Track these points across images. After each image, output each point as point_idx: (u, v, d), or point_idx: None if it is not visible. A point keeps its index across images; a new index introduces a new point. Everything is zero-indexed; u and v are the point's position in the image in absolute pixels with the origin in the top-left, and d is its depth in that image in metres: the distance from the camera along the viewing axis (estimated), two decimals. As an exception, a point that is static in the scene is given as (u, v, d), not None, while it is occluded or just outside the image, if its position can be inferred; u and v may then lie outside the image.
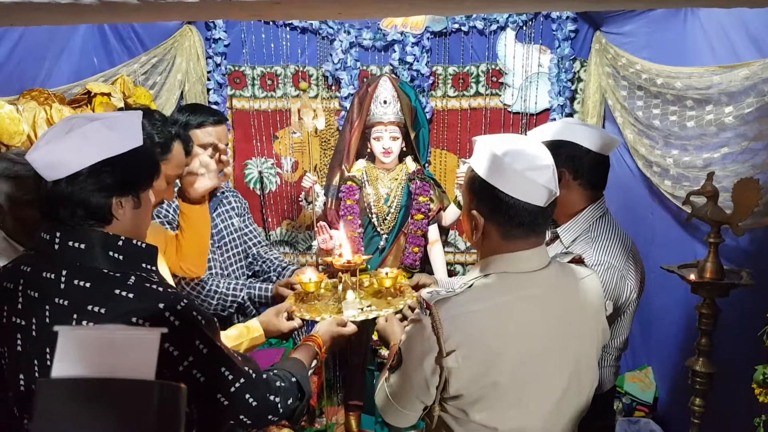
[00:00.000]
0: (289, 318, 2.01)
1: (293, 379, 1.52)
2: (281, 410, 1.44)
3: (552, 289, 1.40)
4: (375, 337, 3.04)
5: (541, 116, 3.63)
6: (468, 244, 3.78)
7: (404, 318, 1.89)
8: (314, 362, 1.76)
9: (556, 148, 1.83)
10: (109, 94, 2.74)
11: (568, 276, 1.46)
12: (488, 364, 1.30)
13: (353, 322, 1.94)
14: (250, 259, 2.70)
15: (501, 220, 1.35)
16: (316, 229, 3.01)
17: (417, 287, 2.23)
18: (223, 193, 2.64)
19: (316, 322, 1.95)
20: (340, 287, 2.08)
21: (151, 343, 0.75)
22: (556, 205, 1.40)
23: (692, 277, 2.06)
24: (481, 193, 1.36)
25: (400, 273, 2.14)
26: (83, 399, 0.72)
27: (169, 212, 2.35)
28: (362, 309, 1.99)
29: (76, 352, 0.76)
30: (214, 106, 3.60)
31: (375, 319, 1.95)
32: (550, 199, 1.34)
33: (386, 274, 2.11)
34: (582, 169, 1.89)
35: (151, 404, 0.72)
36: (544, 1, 1.15)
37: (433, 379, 1.31)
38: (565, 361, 1.40)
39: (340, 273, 2.08)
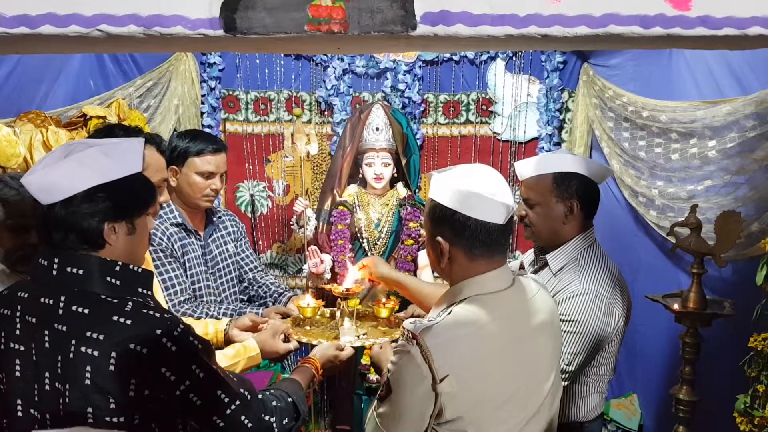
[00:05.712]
0: (286, 340, 2.02)
1: (289, 399, 1.54)
2: (276, 430, 1.46)
3: (522, 305, 1.46)
4: (364, 361, 3.05)
5: (530, 145, 3.69)
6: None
7: None
8: (311, 384, 1.78)
9: (567, 180, 1.89)
10: (104, 117, 2.76)
11: (529, 290, 1.52)
12: (481, 384, 1.34)
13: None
14: (245, 284, 2.67)
15: (465, 243, 1.40)
16: (307, 253, 3.04)
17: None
18: (219, 217, 2.62)
19: (313, 345, 1.96)
20: (338, 314, 2.10)
21: None
22: (514, 222, 1.46)
23: (676, 306, 2.11)
24: (443, 220, 1.41)
25: (396, 304, 2.16)
26: None
27: (163, 240, 2.32)
28: (358, 336, 2.01)
29: None
30: (207, 129, 3.61)
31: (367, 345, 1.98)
32: (509, 215, 1.40)
33: (383, 303, 2.13)
34: (588, 200, 1.94)
35: None
36: (533, 41, 1.21)
37: (428, 407, 1.33)
38: (544, 372, 1.46)
39: (339, 300, 2.11)
